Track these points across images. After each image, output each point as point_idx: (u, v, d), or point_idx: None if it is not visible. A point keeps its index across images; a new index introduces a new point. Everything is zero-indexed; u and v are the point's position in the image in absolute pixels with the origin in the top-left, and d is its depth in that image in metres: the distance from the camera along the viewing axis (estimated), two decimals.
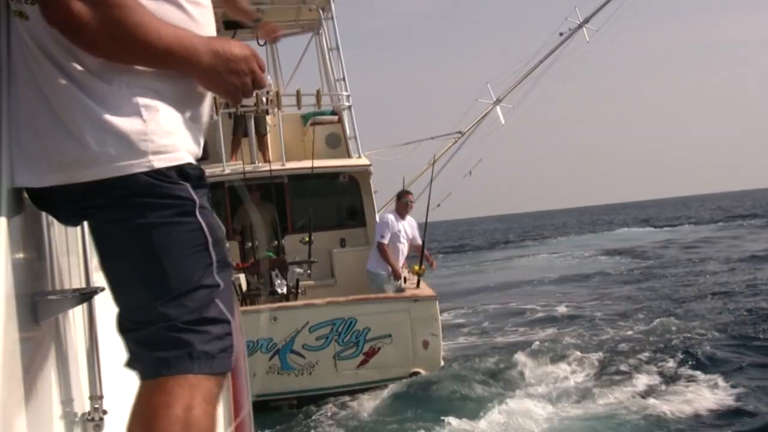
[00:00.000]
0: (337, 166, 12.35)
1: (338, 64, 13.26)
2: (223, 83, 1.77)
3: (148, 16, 1.66)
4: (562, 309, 15.77)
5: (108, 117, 1.66)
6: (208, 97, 1.87)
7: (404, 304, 9.88)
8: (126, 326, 1.75)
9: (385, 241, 10.82)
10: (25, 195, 1.74)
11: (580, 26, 13.76)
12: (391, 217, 11.10)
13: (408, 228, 11.01)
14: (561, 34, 13.86)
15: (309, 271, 10.82)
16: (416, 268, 10.71)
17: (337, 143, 12.86)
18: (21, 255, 1.64)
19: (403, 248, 10.97)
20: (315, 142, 12.32)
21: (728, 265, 22.01)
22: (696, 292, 16.24)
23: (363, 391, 9.49)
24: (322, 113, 13.09)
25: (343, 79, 13.07)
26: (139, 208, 1.69)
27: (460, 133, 14.37)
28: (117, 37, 1.62)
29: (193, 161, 1.78)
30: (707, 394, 8.22)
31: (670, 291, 17.10)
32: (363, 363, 9.64)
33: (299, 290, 10.61)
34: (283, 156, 11.96)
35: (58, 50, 1.67)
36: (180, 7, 1.78)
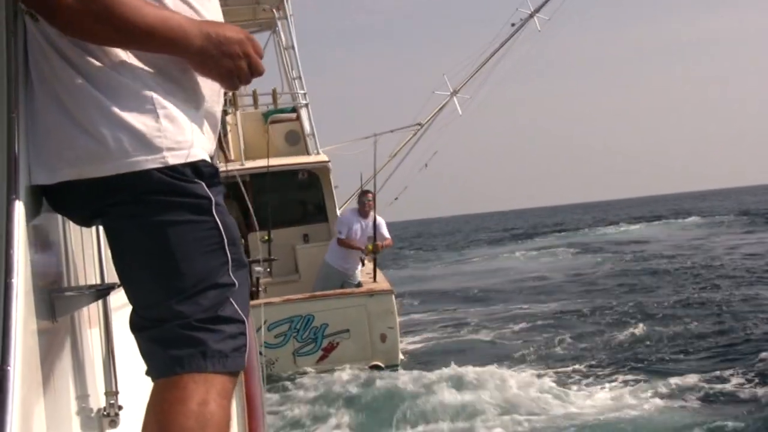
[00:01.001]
0: (294, 164, 12.52)
1: (295, 62, 13.42)
2: (216, 67, 1.73)
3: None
4: (539, 308, 15.60)
5: (121, 112, 1.65)
6: (221, 93, 1.87)
7: (360, 299, 10.08)
8: (139, 324, 1.74)
9: (343, 236, 11.02)
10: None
11: (531, 16, 13.94)
12: (348, 214, 11.33)
13: (367, 227, 11.10)
14: (513, 25, 14.08)
15: (269, 269, 11.00)
16: (369, 247, 10.91)
17: (297, 140, 13.01)
18: (38, 252, 1.65)
19: (360, 245, 11.08)
20: (275, 139, 12.45)
21: (694, 259, 22.17)
22: (673, 290, 16.25)
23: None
24: (282, 111, 13.24)
25: (300, 77, 13.24)
26: (155, 205, 1.68)
27: (419, 125, 14.54)
28: (94, 15, 1.59)
29: (207, 158, 1.76)
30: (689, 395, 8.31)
31: (648, 288, 17.09)
32: (322, 358, 9.84)
33: (260, 288, 10.79)
34: (242, 155, 12.08)
35: (69, 47, 1.66)
36: (185, 2, 1.76)
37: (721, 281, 16.97)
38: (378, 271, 11.14)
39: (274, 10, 13.40)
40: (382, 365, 9.92)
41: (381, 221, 11.25)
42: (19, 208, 1.56)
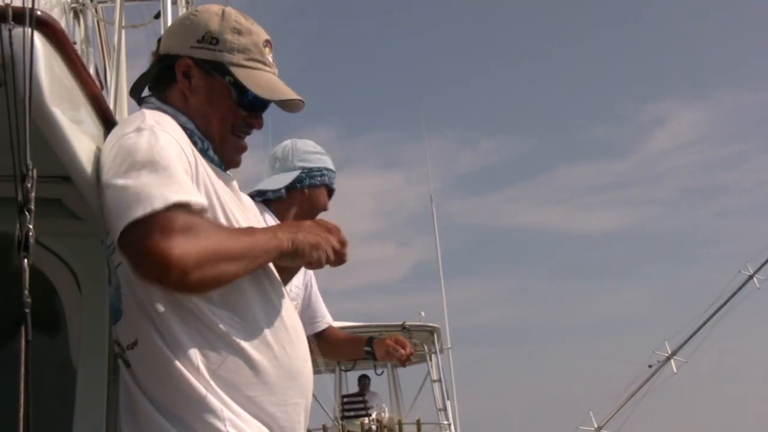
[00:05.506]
0: None
1: (440, 392, 14.47)
2: (307, 258, 1.81)
3: (225, 234, 1.71)
4: None
5: None
6: None
7: None
8: None
9: None
10: None
11: (668, 359, 14.47)
12: None
13: None
14: (650, 366, 14.63)
15: None
16: None
17: None
18: None
19: None
20: None
21: None
22: None
23: None
24: None
25: (444, 408, 14.23)
26: None
27: None
28: (210, 262, 1.62)
29: None
30: None
31: None
32: None
33: None
34: None
35: (155, 394, 1.72)
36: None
37: None
38: None
39: (428, 346, 14.72)
40: None
41: None
42: None
